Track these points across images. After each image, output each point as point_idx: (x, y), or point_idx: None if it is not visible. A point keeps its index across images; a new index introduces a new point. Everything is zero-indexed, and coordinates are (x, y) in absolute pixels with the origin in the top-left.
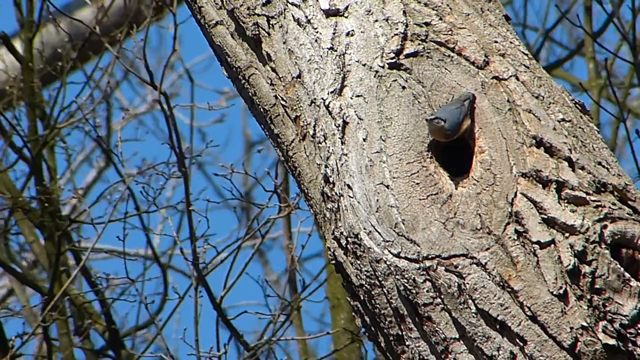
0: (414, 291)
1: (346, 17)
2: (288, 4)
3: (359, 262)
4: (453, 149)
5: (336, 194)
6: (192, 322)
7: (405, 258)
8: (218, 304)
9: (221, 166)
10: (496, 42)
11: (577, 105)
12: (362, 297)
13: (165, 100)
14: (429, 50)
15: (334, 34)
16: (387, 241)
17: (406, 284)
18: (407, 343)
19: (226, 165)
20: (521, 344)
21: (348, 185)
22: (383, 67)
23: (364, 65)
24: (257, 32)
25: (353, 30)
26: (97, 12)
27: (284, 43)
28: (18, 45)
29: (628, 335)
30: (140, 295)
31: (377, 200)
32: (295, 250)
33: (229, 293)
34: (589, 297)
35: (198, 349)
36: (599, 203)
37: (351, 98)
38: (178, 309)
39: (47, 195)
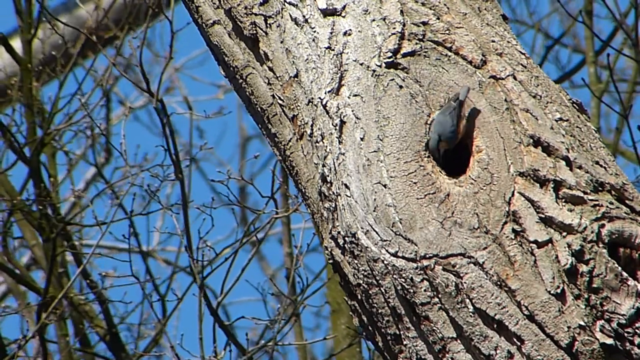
0: (412, 290)
1: (343, 17)
2: (285, 4)
3: (356, 261)
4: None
5: (334, 193)
6: (188, 325)
7: (403, 257)
8: (215, 309)
9: (218, 172)
10: (493, 41)
11: (575, 105)
12: (359, 297)
13: (162, 107)
14: (426, 50)
15: (331, 33)
16: (385, 240)
17: (404, 284)
18: (404, 342)
19: (222, 170)
20: (519, 343)
21: (345, 185)
22: (380, 66)
23: (362, 64)
24: (255, 32)
25: (350, 29)
26: (96, 15)
27: (282, 42)
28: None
29: (625, 334)
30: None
31: (375, 199)
32: (300, 248)
33: (226, 291)
34: (586, 296)
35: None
36: (597, 202)
37: (348, 97)
38: (178, 307)
39: (44, 197)
